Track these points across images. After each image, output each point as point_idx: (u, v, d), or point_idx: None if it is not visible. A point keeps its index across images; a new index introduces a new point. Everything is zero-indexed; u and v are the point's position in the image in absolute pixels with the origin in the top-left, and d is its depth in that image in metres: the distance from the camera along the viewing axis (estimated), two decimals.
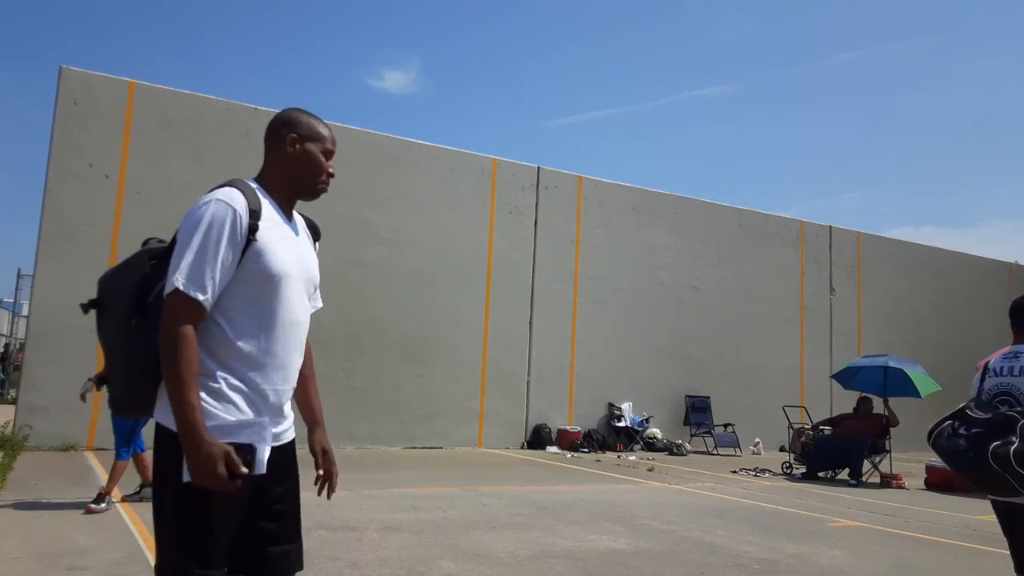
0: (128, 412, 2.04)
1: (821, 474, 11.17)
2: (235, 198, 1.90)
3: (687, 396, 14.50)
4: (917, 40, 62.70)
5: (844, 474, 11.04)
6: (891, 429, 11.11)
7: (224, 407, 1.87)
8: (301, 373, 2.11)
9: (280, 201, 2.03)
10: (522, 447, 12.79)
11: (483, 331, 12.68)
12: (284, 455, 2.02)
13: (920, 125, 66.00)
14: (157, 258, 1.99)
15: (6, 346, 21.53)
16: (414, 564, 4.67)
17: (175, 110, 10.62)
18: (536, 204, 13.45)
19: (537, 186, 13.51)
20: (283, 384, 2.00)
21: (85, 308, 2.06)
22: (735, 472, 11.15)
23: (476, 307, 12.68)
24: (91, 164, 9.99)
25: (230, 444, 1.83)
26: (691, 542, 5.77)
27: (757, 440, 14.39)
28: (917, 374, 11.30)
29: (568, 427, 13.07)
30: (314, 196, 2.08)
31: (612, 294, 14.06)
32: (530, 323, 13.18)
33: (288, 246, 1.99)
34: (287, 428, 2.05)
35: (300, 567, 2.03)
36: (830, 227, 17.05)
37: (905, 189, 65.18)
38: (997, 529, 3.18)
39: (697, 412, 14.43)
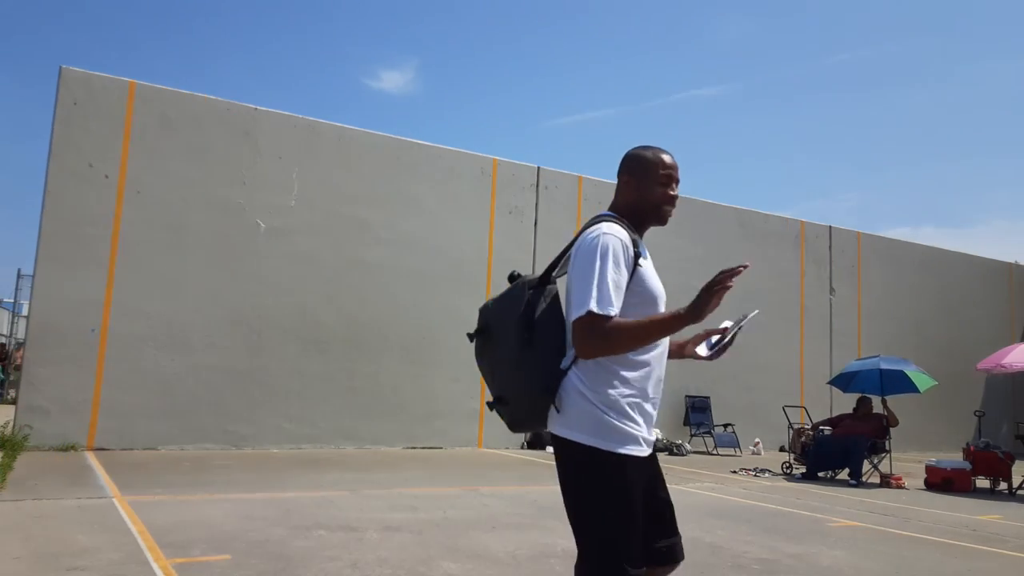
0: (529, 428, 2.30)
1: (821, 474, 11.17)
2: (619, 231, 2.13)
3: (687, 396, 14.50)
4: (916, 40, 62.73)
5: (844, 474, 11.04)
6: (891, 429, 11.12)
7: (620, 419, 2.08)
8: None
9: (635, 232, 2.25)
10: (522, 447, 12.79)
11: None
12: (656, 459, 2.26)
13: (918, 125, 66.01)
14: (535, 287, 2.20)
15: (2, 346, 21.48)
16: (414, 564, 4.67)
17: (175, 110, 10.62)
18: (536, 204, 13.45)
19: (537, 186, 13.51)
20: (658, 394, 2.22)
21: (472, 337, 2.33)
22: (735, 472, 11.15)
23: (476, 307, 12.53)
24: (91, 164, 9.99)
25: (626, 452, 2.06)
26: (691, 542, 5.76)
27: (757, 440, 14.39)
28: (912, 371, 11.32)
29: None
30: (662, 222, 2.30)
31: None
32: None
33: (654, 271, 2.23)
34: (656, 434, 2.30)
35: (683, 557, 2.30)
36: (830, 227, 17.05)
37: (903, 189, 65.20)
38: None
39: (697, 412, 14.42)
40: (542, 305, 2.15)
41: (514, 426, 2.26)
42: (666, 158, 2.26)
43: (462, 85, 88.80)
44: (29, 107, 79.81)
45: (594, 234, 2.11)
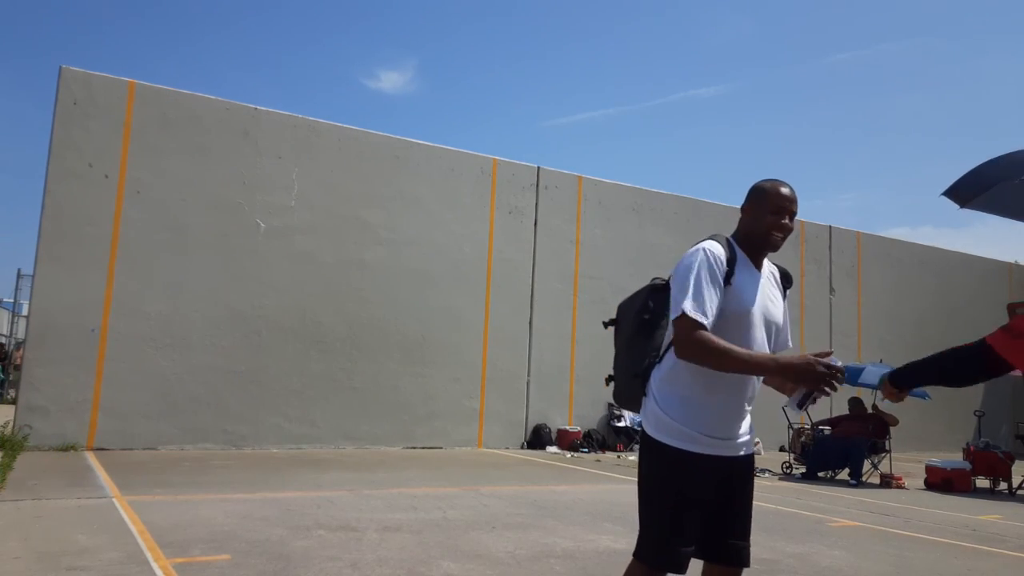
0: (624, 405, 2.60)
1: (821, 474, 11.17)
2: (716, 248, 2.35)
3: None
4: (914, 40, 62.74)
5: (844, 474, 11.04)
6: (891, 429, 11.12)
7: (671, 414, 2.33)
8: None
9: (748, 253, 2.45)
10: (522, 447, 12.79)
11: (483, 331, 12.68)
12: (741, 466, 2.43)
13: (916, 125, 66.04)
14: (658, 290, 2.49)
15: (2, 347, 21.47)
16: (414, 564, 4.67)
17: (175, 110, 10.62)
18: (536, 204, 13.45)
19: (537, 186, 13.51)
20: (736, 403, 2.38)
21: (606, 324, 2.69)
22: None
23: (476, 307, 12.68)
24: (91, 164, 9.99)
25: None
26: None
27: (757, 440, 14.40)
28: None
29: (568, 427, 13.07)
30: (773, 248, 2.46)
31: (612, 294, 14.04)
32: (530, 323, 13.18)
33: (754, 290, 2.41)
34: (743, 442, 2.44)
35: (748, 564, 2.42)
36: (830, 227, 17.05)
37: (901, 189, 65.22)
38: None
39: None
40: (658, 305, 2.46)
41: (616, 399, 2.62)
42: (784, 191, 2.44)
43: (462, 85, 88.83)
44: (29, 107, 79.83)
45: (694, 248, 2.37)
